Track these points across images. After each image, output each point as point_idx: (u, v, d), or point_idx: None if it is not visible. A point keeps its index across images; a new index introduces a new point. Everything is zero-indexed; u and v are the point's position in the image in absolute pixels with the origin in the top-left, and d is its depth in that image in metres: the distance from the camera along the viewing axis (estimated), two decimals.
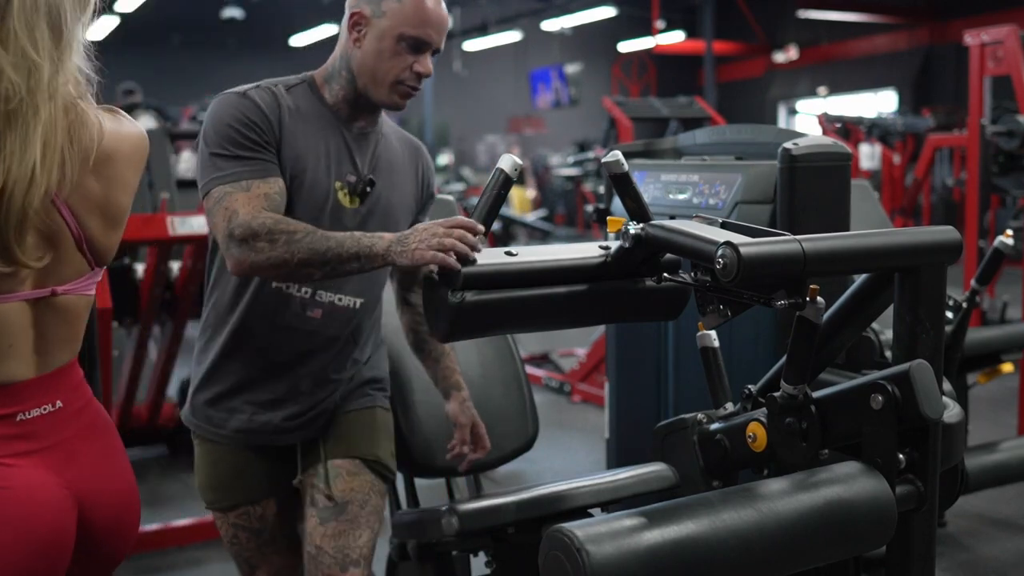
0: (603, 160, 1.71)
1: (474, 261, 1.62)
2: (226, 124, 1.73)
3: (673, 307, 1.84)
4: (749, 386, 1.81)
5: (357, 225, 1.83)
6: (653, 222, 1.65)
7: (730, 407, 1.82)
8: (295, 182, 1.78)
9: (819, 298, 1.53)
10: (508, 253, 1.69)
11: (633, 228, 1.64)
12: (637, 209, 1.69)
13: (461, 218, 1.65)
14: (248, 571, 1.97)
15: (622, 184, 1.70)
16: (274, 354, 1.87)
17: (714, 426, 1.77)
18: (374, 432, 1.97)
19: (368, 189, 1.85)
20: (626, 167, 1.71)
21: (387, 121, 1.97)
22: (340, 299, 1.86)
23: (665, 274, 1.73)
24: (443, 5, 1.84)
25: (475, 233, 1.61)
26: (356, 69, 1.82)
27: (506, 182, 1.70)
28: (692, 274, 1.68)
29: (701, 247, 1.51)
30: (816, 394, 1.62)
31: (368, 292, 1.91)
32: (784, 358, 1.67)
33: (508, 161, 1.69)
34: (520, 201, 13.98)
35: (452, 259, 1.56)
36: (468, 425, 2.06)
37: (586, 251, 1.75)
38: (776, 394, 1.63)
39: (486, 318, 1.66)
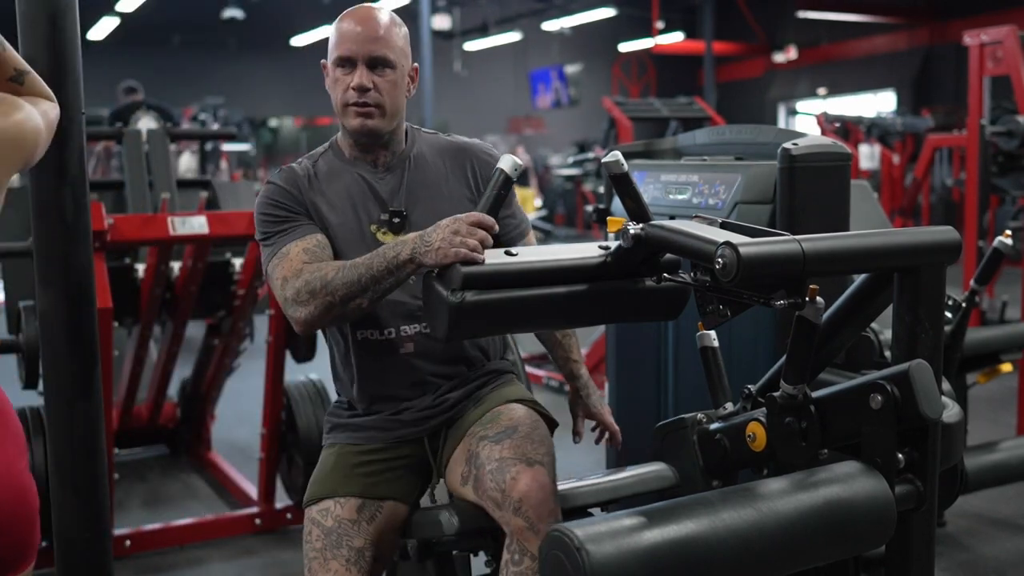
0: (603, 160, 1.72)
1: (481, 261, 1.63)
2: (260, 213, 1.88)
3: (673, 307, 1.84)
4: (749, 386, 1.81)
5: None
6: (653, 222, 1.65)
7: (730, 407, 1.82)
8: (336, 239, 1.87)
9: (819, 298, 1.53)
10: (508, 253, 1.69)
11: (633, 228, 1.64)
12: (637, 209, 1.70)
13: (478, 215, 1.66)
14: None
15: (622, 184, 1.71)
16: (395, 388, 1.94)
17: (714, 426, 1.77)
18: (514, 391, 2.00)
19: (396, 220, 1.90)
20: (626, 167, 1.71)
21: (424, 139, 2.00)
22: (426, 327, 1.90)
23: (665, 274, 1.73)
24: (372, 22, 1.87)
25: (492, 231, 1.65)
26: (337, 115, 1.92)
27: (506, 182, 1.70)
28: (692, 274, 1.68)
29: (701, 247, 1.52)
30: (816, 394, 1.63)
31: None
32: (784, 358, 1.67)
33: (508, 161, 1.69)
34: (523, 200, 13.98)
35: (478, 256, 1.60)
36: (581, 419, 2.18)
37: (586, 251, 1.75)
38: (776, 394, 1.63)
39: (486, 318, 1.66)
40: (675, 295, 1.81)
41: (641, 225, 1.64)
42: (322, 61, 1.93)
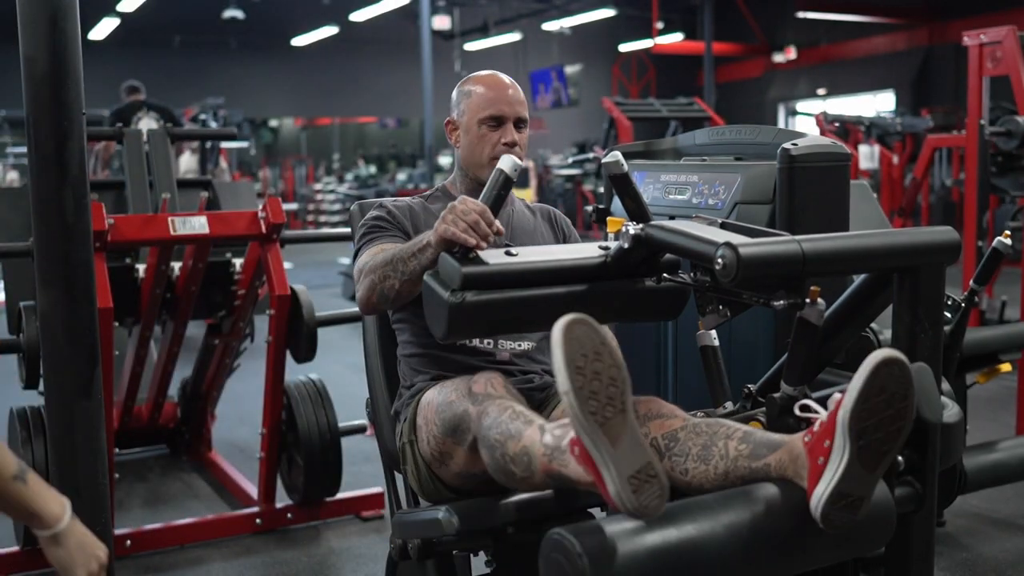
0: (603, 161, 1.73)
1: (477, 258, 1.63)
2: (368, 221, 2.12)
3: (673, 307, 1.85)
4: (749, 385, 1.82)
5: None
6: (652, 223, 1.66)
7: (729, 406, 1.83)
8: None
9: (820, 299, 1.54)
10: (508, 253, 1.69)
11: (632, 228, 1.64)
12: (637, 210, 1.70)
13: (474, 201, 1.74)
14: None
15: (622, 184, 1.71)
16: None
17: None
18: None
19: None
20: (626, 168, 1.71)
21: (520, 202, 2.31)
22: (520, 345, 2.10)
23: (665, 275, 1.74)
24: (514, 86, 2.16)
25: (489, 222, 1.71)
26: (463, 164, 2.19)
27: (506, 182, 1.70)
28: (692, 274, 1.68)
29: (701, 248, 1.52)
30: (816, 395, 1.63)
31: (541, 338, 2.12)
32: (784, 358, 1.67)
33: (508, 162, 1.70)
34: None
35: (470, 239, 1.69)
36: None
37: (586, 251, 1.76)
38: (776, 395, 1.64)
39: (485, 318, 1.66)
40: (675, 295, 1.81)
41: (641, 225, 1.64)
42: (450, 118, 2.20)
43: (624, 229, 1.66)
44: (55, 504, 1.28)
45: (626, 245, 1.66)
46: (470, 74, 2.23)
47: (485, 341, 2.07)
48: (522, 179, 17.75)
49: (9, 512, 1.28)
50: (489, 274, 1.66)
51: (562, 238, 2.29)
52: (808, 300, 1.56)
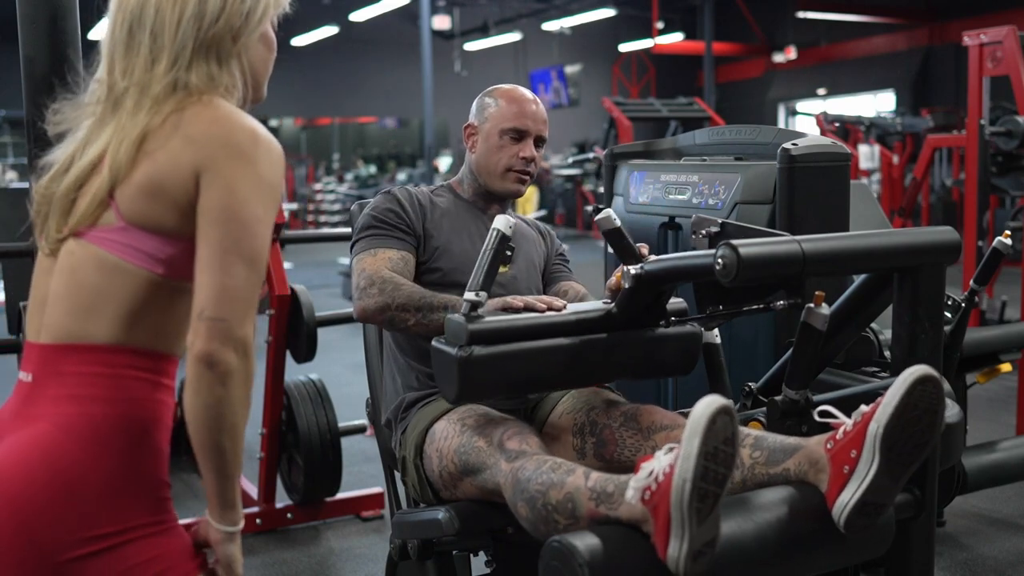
0: (596, 219, 1.78)
1: (481, 317, 1.67)
2: (373, 210, 2.14)
3: (685, 356, 1.85)
4: (750, 384, 1.82)
5: (509, 281, 2.13)
6: (648, 261, 1.68)
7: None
8: (451, 261, 2.11)
9: (824, 304, 1.54)
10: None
11: (633, 269, 1.67)
12: (633, 257, 1.73)
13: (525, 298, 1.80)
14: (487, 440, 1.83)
15: (615, 237, 1.75)
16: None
17: None
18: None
19: (509, 254, 2.02)
20: (617, 222, 1.75)
21: (516, 215, 2.33)
22: None
23: (673, 317, 1.76)
24: (539, 103, 2.22)
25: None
26: (475, 169, 2.21)
27: (503, 241, 1.72)
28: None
29: (699, 261, 1.53)
30: (818, 398, 1.63)
31: None
32: (786, 356, 1.67)
33: (502, 221, 1.72)
34: (524, 199, 13.96)
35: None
36: None
37: (591, 306, 1.81)
38: (778, 398, 1.64)
39: (495, 373, 1.67)
40: (686, 341, 1.82)
41: (639, 265, 1.67)
42: (470, 123, 2.24)
43: (624, 271, 1.69)
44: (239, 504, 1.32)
45: (627, 285, 1.68)
46: (495, 85, 2.28)
47: None
48: None
49: (216, 498, 1.32)
50: (495, 330, 1.67)
51: (549, 244, 2.33)
52: (812, 304, 1.56)
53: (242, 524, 1.33)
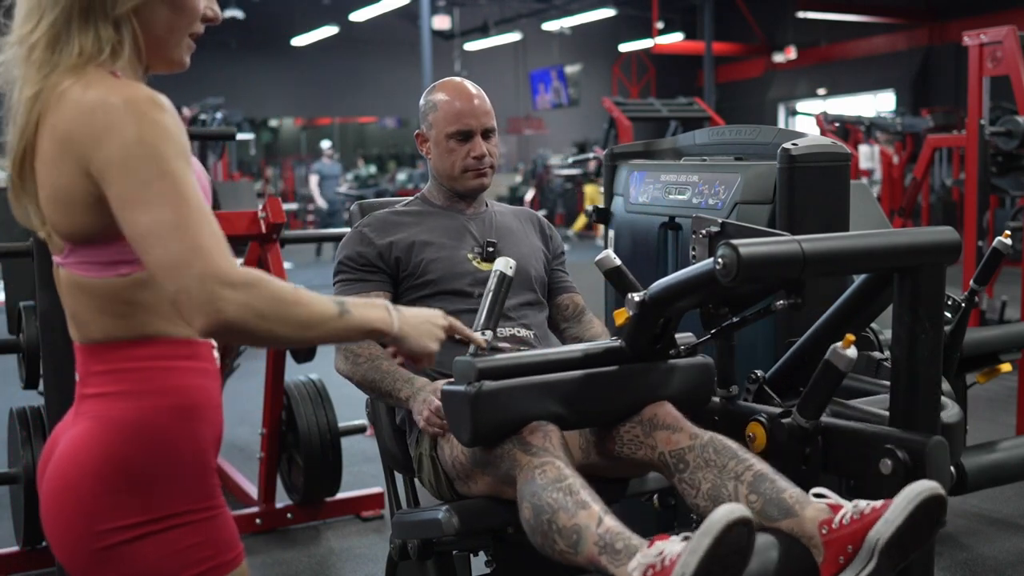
0: (596, 260, 1.78)
1: (487, 354, 1.68)
2: (337, 259, 2.23)
3: (699, 389, 1.83)
4: (758, 371, 1.82)
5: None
6: (649, 288, 1.69)
7: (735, 390, 1.84)
8: (434, 263, 2.14)
9: (852, 347, 1.54)
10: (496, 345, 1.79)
11: (636, 297, 1.67)
12: (635, 289, 1.75)
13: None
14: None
15: (615, 276, 1.75)
16: None
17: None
18: None
19: (491, 249, 2.16)
20: (617, 261, 1.76)
21: (498, 204, 2.37)
22: (519, 331, 2.11)
23: (682, 346, 1.77)
24: (480, 96, 2.18)
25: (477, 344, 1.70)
26: (436, 175, 2.25)
27: (503, 281, 1.72)
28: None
29: (700, 270, 1.54)
30: (825, 422, 1.63)
31: (538, 328, 2.18)
32: (796, 346, 1.68)
33: (503, 263, 1.73)
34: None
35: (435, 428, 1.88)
36: None
37: (600, 343, 1.82)
38: (786, 421, 1.64)
39: (507, 407, 1.66)
40: (698, 371, 1.82)
41: (641, 292, 1.67)
42: (419, 131, 2.24)
43: (628, 298, 1.69)
44: (380, 312, 1.30)
45: (632, 311, 1.69)
46: (435, 83, 2.25)
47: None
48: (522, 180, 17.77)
49: (352, 339, 1.40)
50: (504, 367, 1.68)
51: (545, 234, 2.35)
52: (839, 345, 1.56)
53: (395, 328, 1.31)
